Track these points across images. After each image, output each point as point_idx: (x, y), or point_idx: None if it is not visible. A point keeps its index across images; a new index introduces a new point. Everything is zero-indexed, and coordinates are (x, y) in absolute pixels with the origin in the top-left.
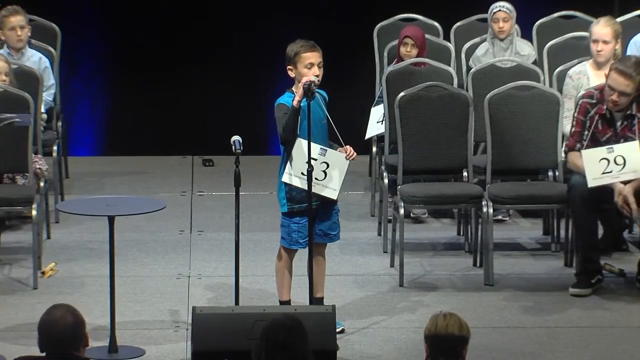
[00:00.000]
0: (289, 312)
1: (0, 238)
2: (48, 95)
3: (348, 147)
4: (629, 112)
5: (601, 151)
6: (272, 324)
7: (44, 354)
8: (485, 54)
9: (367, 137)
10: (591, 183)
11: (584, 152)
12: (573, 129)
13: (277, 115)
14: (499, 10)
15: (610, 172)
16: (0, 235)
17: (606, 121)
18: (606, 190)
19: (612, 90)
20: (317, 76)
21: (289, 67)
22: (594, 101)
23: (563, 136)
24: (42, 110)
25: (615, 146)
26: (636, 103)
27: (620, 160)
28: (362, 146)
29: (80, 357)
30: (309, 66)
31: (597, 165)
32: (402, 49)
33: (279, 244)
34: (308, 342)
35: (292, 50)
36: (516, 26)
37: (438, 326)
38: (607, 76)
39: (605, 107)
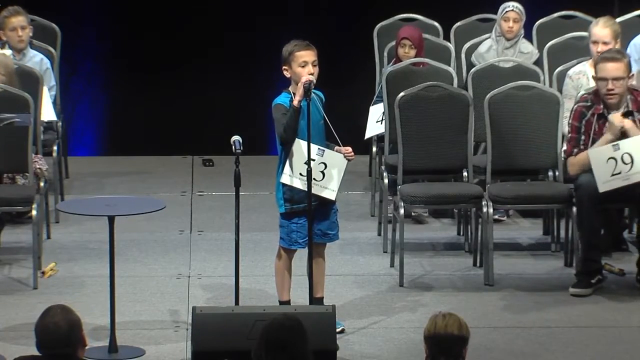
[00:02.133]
0: (288, 312)
1: (0, 236)
2: (50, 96)
3: (347, 147)
4: (625, 109)
5: (607, 150)
6: (272, 324)
7: (42, 355)
8: (488, 51)
9: (366, 137)
10: (602, 188)
11: (590, 151)
12: (569, 135)
13: (275, 116)
14: (512, 10)
15: (619, 173)
16: (0, 233)
17: (604, 121)
18: (609, 191)
19: (604, 81)
20: (311, 74)
21: (284, 67)
22: (589, 104)
23: (563, 136)
24: (52, 113)
25: (620, 142)
26: (631, 100)
27: (627, 159)
28: (362, 146)
29: (78, 357)
30: (303, 64)
31: (605, 167)
32: (401, 51)
33: (278, 244)
34: (308, 342)
35: (287, 50)
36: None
37: (437, 326)
38: (594, 76)
39: (601, 106)
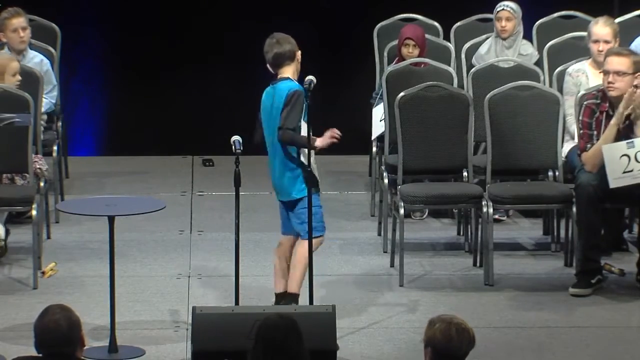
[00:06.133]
0: (282, 312)
1: (6, 243)
2: (51, 97)
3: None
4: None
5: (621, 146)
6: (267, 324)
7: (41, 355)
8: (488, 52)
9: (373, 137)
10: (613, 184)
11: (604, 146)
12: (581, 132)
13: (297, 107)
14: (502, 9)
15: (631, 171)
16: (6, 240)
17: (609, 119)
18: (609, 191)
19: (607, 74)
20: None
21: (289, 62)
22: (598, 101)
23: (563, 136)
24: (42, 110)
25: (636, 140)
26: None
27: None
28: (362, 146)
29: (78, 357)
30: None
31: (618, 163)
32: (404, 50)
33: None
34: (303, 341)
35: (293, 48)
36: (520, 27)
37: (452, 343)
38: (601, 70)
39: (607, 104)
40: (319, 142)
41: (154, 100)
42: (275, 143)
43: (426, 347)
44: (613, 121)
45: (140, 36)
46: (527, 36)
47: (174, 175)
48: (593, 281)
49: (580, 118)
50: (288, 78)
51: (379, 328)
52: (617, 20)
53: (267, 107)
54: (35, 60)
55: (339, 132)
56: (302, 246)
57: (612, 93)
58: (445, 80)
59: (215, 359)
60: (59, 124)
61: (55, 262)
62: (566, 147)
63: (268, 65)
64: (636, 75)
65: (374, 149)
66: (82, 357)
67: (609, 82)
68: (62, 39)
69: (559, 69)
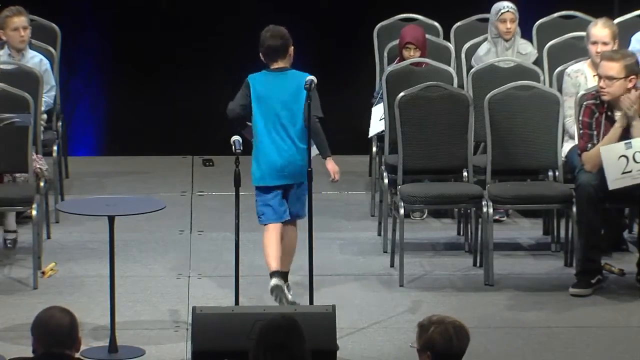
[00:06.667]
0: (285, 312)
1: None
2: (49, 97)
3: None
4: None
5: (619, 147)
6: (269, 325)
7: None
8: (487, 53)
9: (370, 135)
10: (612, 185)
11: (602, 148)
12: (581, 132)
13: (317, 96)
14: (507, 11)
15: (630, 171)
16: None
17: (608, 119)
18: (610, 191)
19: (600, 79)
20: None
21: (280, 56)
22: (598, 102)
23: (563, 136)
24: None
25: (634, 141)
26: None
27: (639, 157)
28: (362, 146)
29: (73, 357)
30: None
31: (616, 164)
32: (406, 53)
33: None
34: (305, 342)
35: (289, 42)
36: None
37: (453, 343)
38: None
39: (605, 106)
40: (329, 162)
41: (154, 100)
42: (295, 127)
43: (423, 351)
44: (617, 123)
45: (140, 36)
46: (527, 36)
47: (174, 175)
48: (593, 281)
49: (581, 118)
50: (291, 68)
51: (379, 328)
52: (617, 20)
53: (270, 90)
54: (35, 60)
55: (337, 180)
56: (294, 231)
57: (605, 98)
58: (445, 80)
59: (215, 359)
60: (59, 123)
61: (55, 262)
62: (566, 147)
63: (261, 55)
64: (629, 78)
65: (374, 149)
66: (80, 357)
67: (600, 87)
68: (62, 39)
69: (558, 69)
